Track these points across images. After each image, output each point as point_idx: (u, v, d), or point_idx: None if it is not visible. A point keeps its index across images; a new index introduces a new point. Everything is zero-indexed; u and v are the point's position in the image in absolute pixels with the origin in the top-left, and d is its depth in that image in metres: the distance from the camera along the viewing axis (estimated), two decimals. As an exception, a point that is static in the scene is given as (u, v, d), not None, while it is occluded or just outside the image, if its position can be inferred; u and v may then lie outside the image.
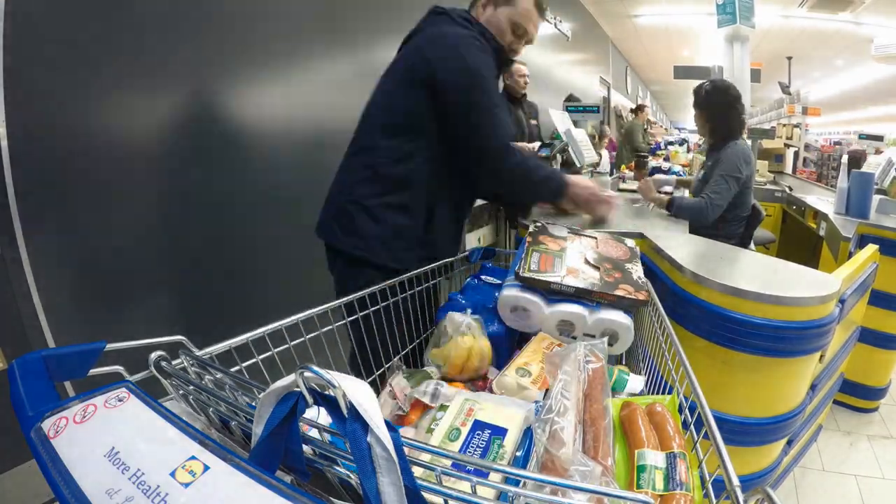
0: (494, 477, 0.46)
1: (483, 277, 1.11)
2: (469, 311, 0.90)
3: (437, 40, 1.16)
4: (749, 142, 2.13)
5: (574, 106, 3.31)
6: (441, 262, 1.13)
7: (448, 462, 0.42)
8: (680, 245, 1.45)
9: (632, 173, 3.59)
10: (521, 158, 1.21)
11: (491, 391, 0.76)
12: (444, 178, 1.21)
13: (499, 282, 1.05)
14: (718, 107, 2.12)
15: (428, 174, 1.18)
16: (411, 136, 1.16)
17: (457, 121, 1.15)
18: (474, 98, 1.13)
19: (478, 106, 1.14)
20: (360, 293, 0.90)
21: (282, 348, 0.73)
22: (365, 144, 1.21)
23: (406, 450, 0.34)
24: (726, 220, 2.10)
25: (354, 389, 0.33)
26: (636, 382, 0.77)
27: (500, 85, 3.30)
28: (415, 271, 1.04)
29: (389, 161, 1.17)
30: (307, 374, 0.35)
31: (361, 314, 0.90)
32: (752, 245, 2.33)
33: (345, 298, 0.86)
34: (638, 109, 5.69)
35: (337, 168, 1.27)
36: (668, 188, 2.47)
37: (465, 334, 0.85)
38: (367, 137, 1.21)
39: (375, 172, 1.17)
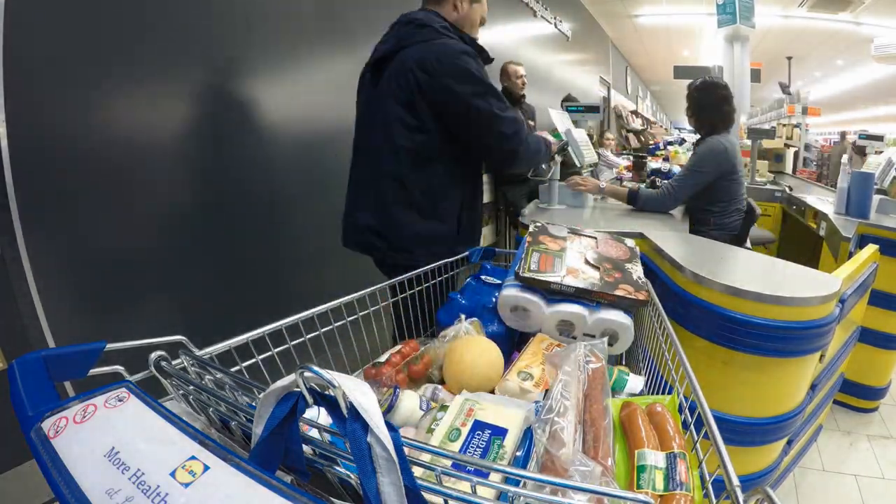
0: (494, 477, 0.46)
1: (483, 277, 1.10)
2: (464, 316, 0.91)
3: (440, 62, 1.21)
4: (735, 139, 2.14)
5: (575, 106, 3.30)
6: (442, 261, 1.13)
7: (448, 462, 0.42)
8: (680, 245, 1.45)
9: (630, 174, 3.58)
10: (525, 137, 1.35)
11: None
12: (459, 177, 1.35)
13: (499, 282, 1.05)
14: (702, 102, 2.15)
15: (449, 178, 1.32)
16: (432, 152, 1.28)
17: (479, 131, 1.27)
18: (483, 107, 1.23)
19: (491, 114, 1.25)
20: (361, 292, 0.90)
21: (282, 348, 0.73)
22: (392, 170, 1.29)
23: (406, 450, 0.34)
24: (717, 213, 2.11)
25: (354, 389, 0.33)
26: (636, 382, 0.77)
27: (499, 87, 3.30)
28: (417, 270, 1.04)
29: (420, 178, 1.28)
30: (307, 374, 0.35)
31: (362, 314, 0.90)
32: (748, 244, 2.34)
33: (344, 298, 0.86)
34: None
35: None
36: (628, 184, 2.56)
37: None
38: (393, 161, 1.28)
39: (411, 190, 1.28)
